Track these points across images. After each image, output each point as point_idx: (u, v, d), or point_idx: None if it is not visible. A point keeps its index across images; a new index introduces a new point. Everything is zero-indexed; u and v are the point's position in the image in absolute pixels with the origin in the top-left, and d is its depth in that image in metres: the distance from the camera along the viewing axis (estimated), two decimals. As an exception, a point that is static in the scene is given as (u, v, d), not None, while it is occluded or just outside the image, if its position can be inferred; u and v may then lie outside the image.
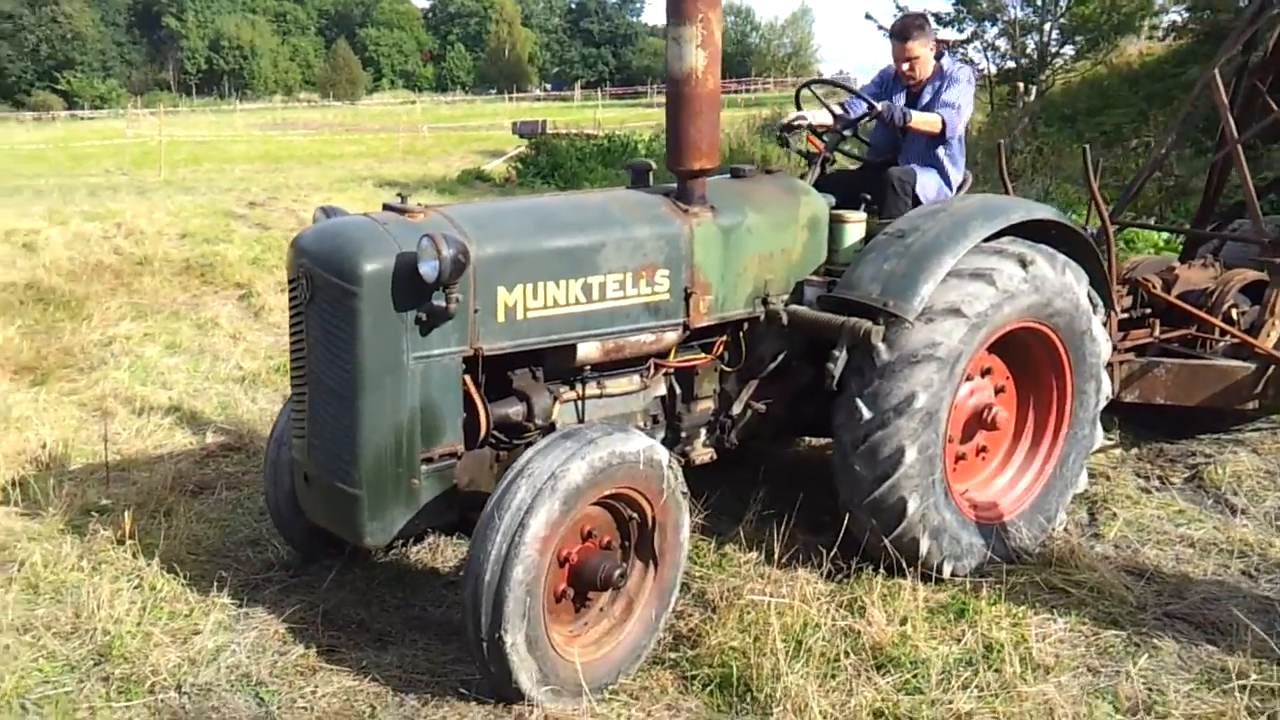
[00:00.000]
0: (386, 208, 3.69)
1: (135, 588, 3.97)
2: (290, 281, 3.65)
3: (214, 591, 3.95)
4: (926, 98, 4.98)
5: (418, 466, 3.49)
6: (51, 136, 38.21)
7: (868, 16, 21.49)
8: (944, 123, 4.85)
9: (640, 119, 39.39)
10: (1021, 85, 19.51)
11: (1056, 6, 19.48)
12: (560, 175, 22.86)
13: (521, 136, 30.52)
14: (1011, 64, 20.34)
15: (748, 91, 56.66)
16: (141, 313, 8.61)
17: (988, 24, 20.60)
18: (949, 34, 20.85)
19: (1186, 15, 20.04)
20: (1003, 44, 20.48)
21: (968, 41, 20.82)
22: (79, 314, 8.42)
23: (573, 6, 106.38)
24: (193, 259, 10.95)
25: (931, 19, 5.92)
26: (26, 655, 3.56)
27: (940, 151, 4.98)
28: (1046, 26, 19.77)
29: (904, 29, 5.06)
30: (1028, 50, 19.99)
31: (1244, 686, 3.42)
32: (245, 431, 5.86)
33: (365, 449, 3.40)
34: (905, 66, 5.03)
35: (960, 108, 4.90)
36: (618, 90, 73.90)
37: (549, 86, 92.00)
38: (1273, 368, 5.57)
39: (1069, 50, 20.34)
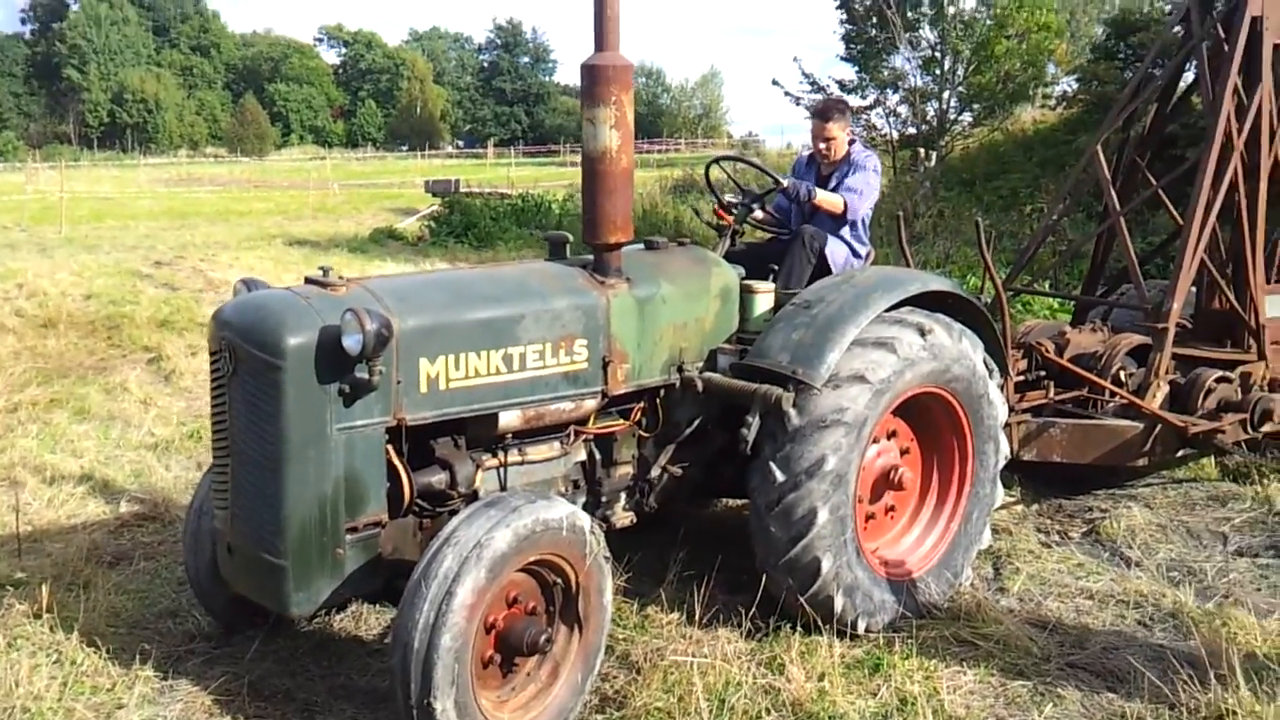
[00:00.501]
0: (308, 280, 3.76)
1: (54, 662, 3.91)
2: (213, 354, 3.69)
3: (136, 664, 3.90)
4: (833, 182, 5.26)
5: (342, 536, 3.54)
6: (-57, 191, 37.16)
7: (774, 82, 21.99)
8: (846, 205, 5.13)
9: (554, 178, 39.76)
10: (922, 151, 20.24)
11: (955, 76, 20.28)
12: (474, 235, 22.83)
13: (434, 195, 30.50)
14: (913, 130, 21.05)
15: (659, 152, 57.73)
16: (47, 377, 8.44)
17: (890, 91, 21.33)
18: (853, 101, 21.59)
19: (1076, 85, 21.15)
20: (904, 110, 21.21)
21: (870, 108, 21.52)
22: (-20, 380, 8.23)
23: (485, 65, 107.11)
24: (98, 320, 10.78)
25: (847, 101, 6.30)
26: (-62, 738, 3.50)
27: (845, 232, 5.25)
28: (945, 94, 20.54)
29: (825, 110, 5.44)
30: (928, 117, 20.72)
31: (1138, 732, 3.62)
32: (160, 500, 5.79)
33: (290, 519, 3.44)
34: (822, 145, 5.34)
35: (863, 193, 5.21)
36: (531, 149, 74.48)
37: (461, 144, 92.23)
38: (1159, 426, 5.90)
39: (967, 117, 21.16)
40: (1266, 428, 6.25)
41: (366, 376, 3.43)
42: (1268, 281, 6.71)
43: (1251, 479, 6.37)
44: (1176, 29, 7.13)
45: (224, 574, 3.85)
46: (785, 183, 5.09)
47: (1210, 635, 4.32)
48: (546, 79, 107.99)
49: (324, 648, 4.25)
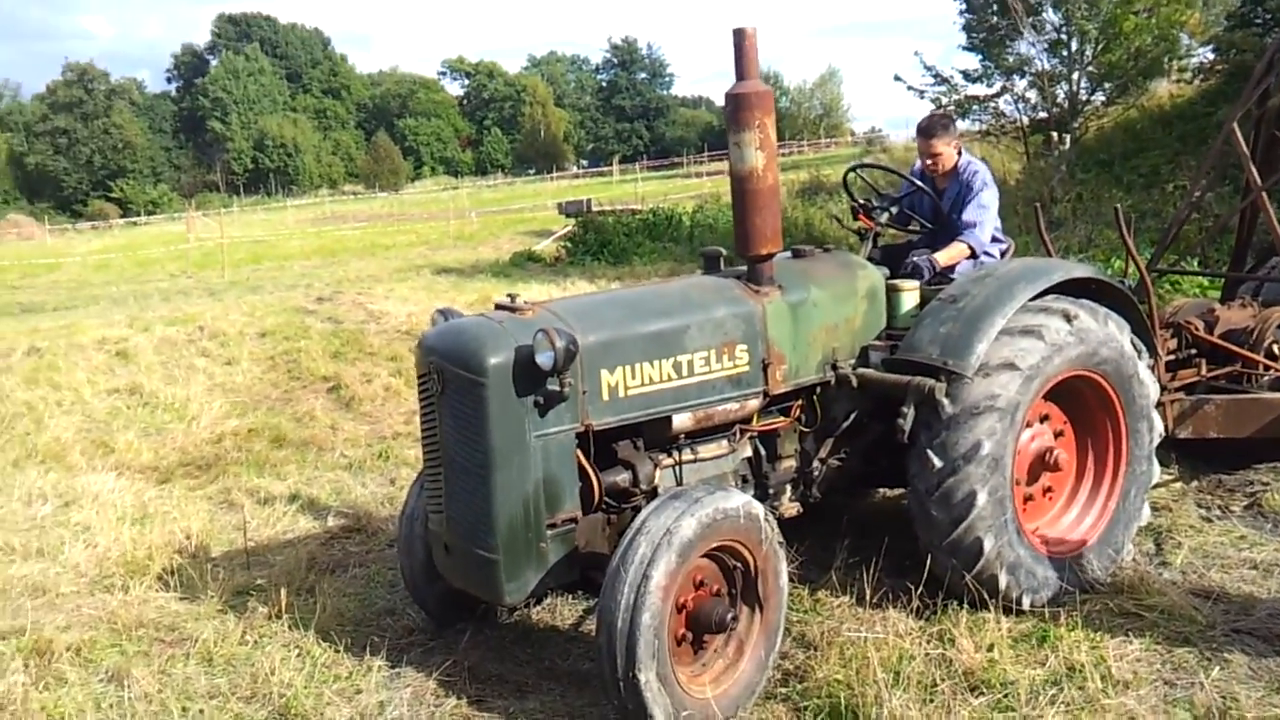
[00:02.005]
0: (498, 306, 4.21)
1: (297, 656, 4.46)
2: (421, 377, 4.18)
3: (367, 655, 4.41)
4: (947, 203, 5.57)
5: (544, 531, 3.96)
6: (113, 244, 39.75)
7: (897, 78, 21.95)
8: (971, 248, 5.41)
9: (681, 190, 40.23)
10: (1055, 134, 19.88)
11: (1083, 56, 19.86)
12: (609, 252, 23.37)
13: (568, 216, 31.30)
14: (1043, 114, 20.69)
15: (784, 155, 57.53)
16: (242, 410, 9.21)
17: (1016, 77, 21.01)
18: (978, 89, 21.38)
19: (1213, 56, 20.45)
20: (1033, 95, 20.89)
21: (998, 95, 21.27)
22: (184, 415, 9.03)
23: (603, 85, 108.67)
24: (277, 356, 11.60)
25: (955, 118, 6.50)
26: (218, 718, 4.05)
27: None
28: (1075, 75, 20.13)
29: (929, 127, 5.67)
30: (1058, 100, 20.35)
31: (1307, 689, 3.75)
32: (362, 514, 6.38)
33: (499, 518, 3.88)
34: (929, 161, 5.60)
35: (982, 223, 5.47)
36: (654, 163, 75.19)
37: (586, 163, 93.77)
38: (1318, 398, 5.89)
39: (1099, 97, 20.68)
40: None
41: (558, 388, 3.85)
42: None
43: None
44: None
45: (442, 571, 4.32)
46: (914, 258, 5.35)
47: (1378, 599, 4.38)
48: (665, 93, 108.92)
49: (527, 636, 4.70)
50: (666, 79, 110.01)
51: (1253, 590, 4.73)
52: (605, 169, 76.32)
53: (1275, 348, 6.17)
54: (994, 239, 5.57)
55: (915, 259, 5.35)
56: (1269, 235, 6.85)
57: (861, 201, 5.63)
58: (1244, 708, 3.75)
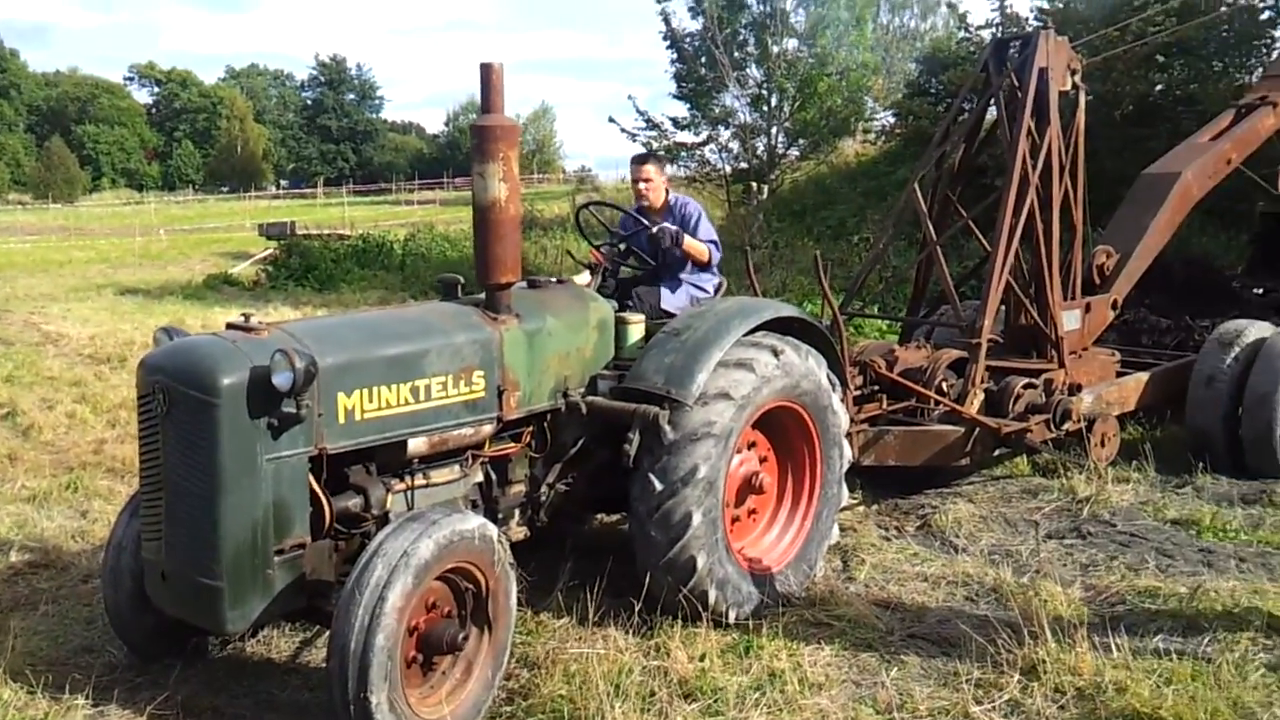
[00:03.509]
0: (230, 326, 4.10)
1: (-14, 701, 4.09)
2: (142, 397, 3.98)
3: (67, 695, 4.11)
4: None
5: (272, 558, 3.88)
6: None
7: (610, 119, 22.79)
8: (710, 255, 5.78)
9: (391, 217, 39.62)
10: (755, 184, 21.31)
11: (781, 112, 21.44)
12: (314, 277, 22.67)
13: (269, 238, 30.09)
14: (745, 164, 22.12)
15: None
16: (-99, 437, 8.26)
17: (721, 127, 22.36)
18: (686, 136, 22.56)
19: (894, 120, 22.69)
20: (735, 146, 22.29)
21: (704, 144, 22.54)
22: None
23: (309, 103, 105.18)
24: (-59, 379, 10.48)
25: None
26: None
27: (698, 271, 5.90)
28: (774, 130, 21.68)
29: (645, 155, 6.18)
30: (758, 152, 21.83)
31: (969, 682, 4.32)
32: (51, 549, 5.89)
33: (225, 544, 3.76)
34: (641, 186, 6.00)
35: (719, 243, 5.92)
36: (361, 187, 73.53)
37: (286, 183, 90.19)
38: (977, 429, 6.71)
39: (794, 152, 22.39)
40: (1067, 426, 7.14)
41: (294, 410, 3.80)
42: (1064, 298, 7.67)
43: (1058, 473, 7.28)
44: (981, 73, 8.04)
45: (156, 600, 4.11)
46: (655, 229, 5.68)
47: (1024, 604, 5.04)
48: (374, 116, 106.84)
49: (242, 669, 4.54)
50: (376, 102, 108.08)
51: (924, 600, 5.33)
52: (308, 190, 73.79)
53: (944, 385, 6.98)
54: (713, 274, 6.01)
55: (662, 226, 5.75)
56: (941, 285, 7.74)
57: (594, 239, 5.93)
58: (918, 701, 4.24)
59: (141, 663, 4.50)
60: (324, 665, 3.81)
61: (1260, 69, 12.56)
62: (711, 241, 5.92)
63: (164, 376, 3.86)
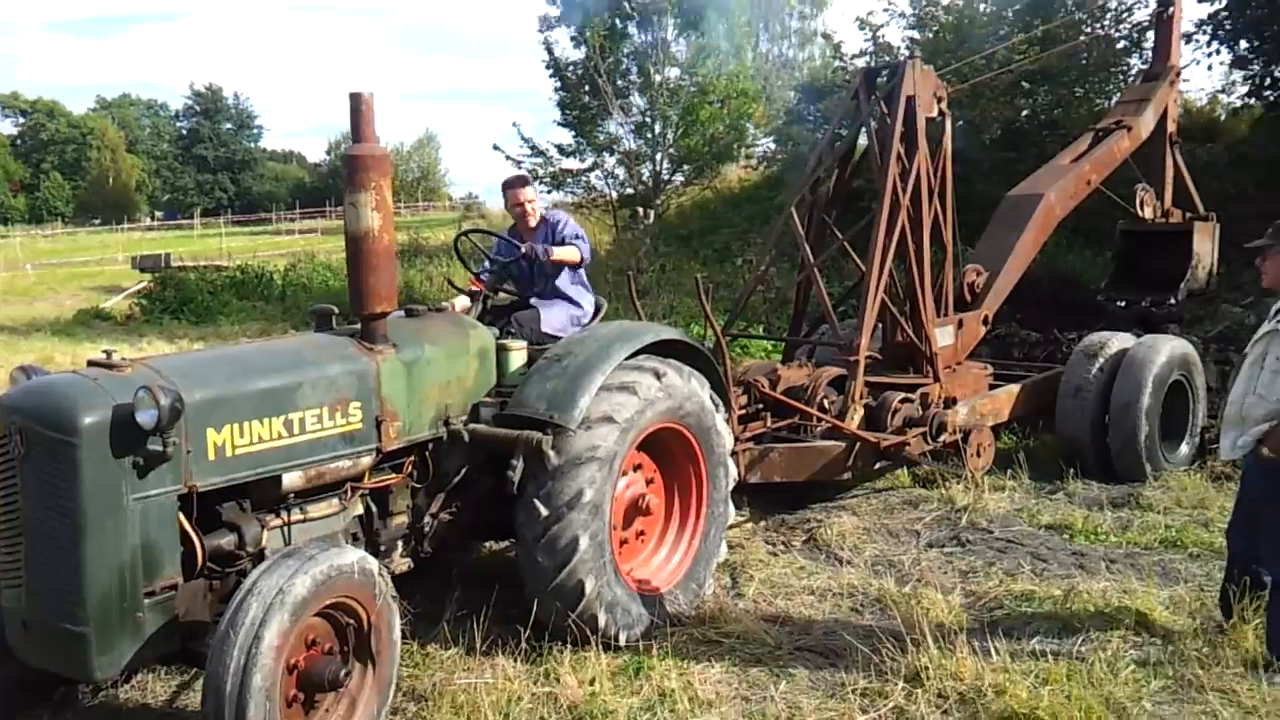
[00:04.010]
0: (92, 363, 3.95)
1: None
2: (-2, 440, 3.80)
3: (-81, 755, 3.90)
4: (552, 240, 5.98)
5: (141, 600, 3.74)
6: None
7: (495, 147, 22.74)
8: (580, 253, 5.82)
9: (271, 247, 38.72)
10: (641, 210, 21.49)
11: (665, 139, 21.69)
12: (191, 310, 22.06)
13: (143, 271, 29.18)
14: (630, 190, 22.30)
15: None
16: None
17: (606, 154, 22.50)
18: (571, 163, 22.65)
19: (774, 146, 23.18)
20: (621, 172, 22.47)
21: (589, 170, 22.67)
22: None
23: (184, 132, 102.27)
24: None
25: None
26: None
27: (571, 284, 5.92)
28: (658, 156, 21.91)
29: (517, 180, 6.22)
30: (644, 178, 22.04)
31: (855, 692, 4.41)
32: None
33: (90, 588, 3.62)
34: (524, 208, 6.07)
35: (584, 238, 6.01)
36: (240, 217, 71.67)
37: (161, 215, 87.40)
38: (858, 444, 6.86)
39: (679, 177, 22.67)
40: (943, 438, 7.36)
41: (160, 448, 3.67)
42: (937, 315, 7.91)
43: (937, 484, 7.49)
44: (852, 101, 8.26)
45: (18, 651, 3.91)
46: (524, 248, 5.71)
47: (907, 612, 5.16)
48: (252, 145, 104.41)
49: (116, 716, 4.37)
50: (255, 131, 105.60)
51: (811, 613, 5.41)
52: (185, 221, 71.70)
53: (825, 402, 7.12)
54: (587, 289, 6.04)
55: (531, 244, 5.77)
56: (820, 305, 7.90)
57: (472, 266, 5.90)
58: (806, 714, 4.30)
59: (7, 715, 4.27)
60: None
61: (1117, 94, 13.18)
62: (577, 237, 6.01)
63: (20, 417, 3.70)
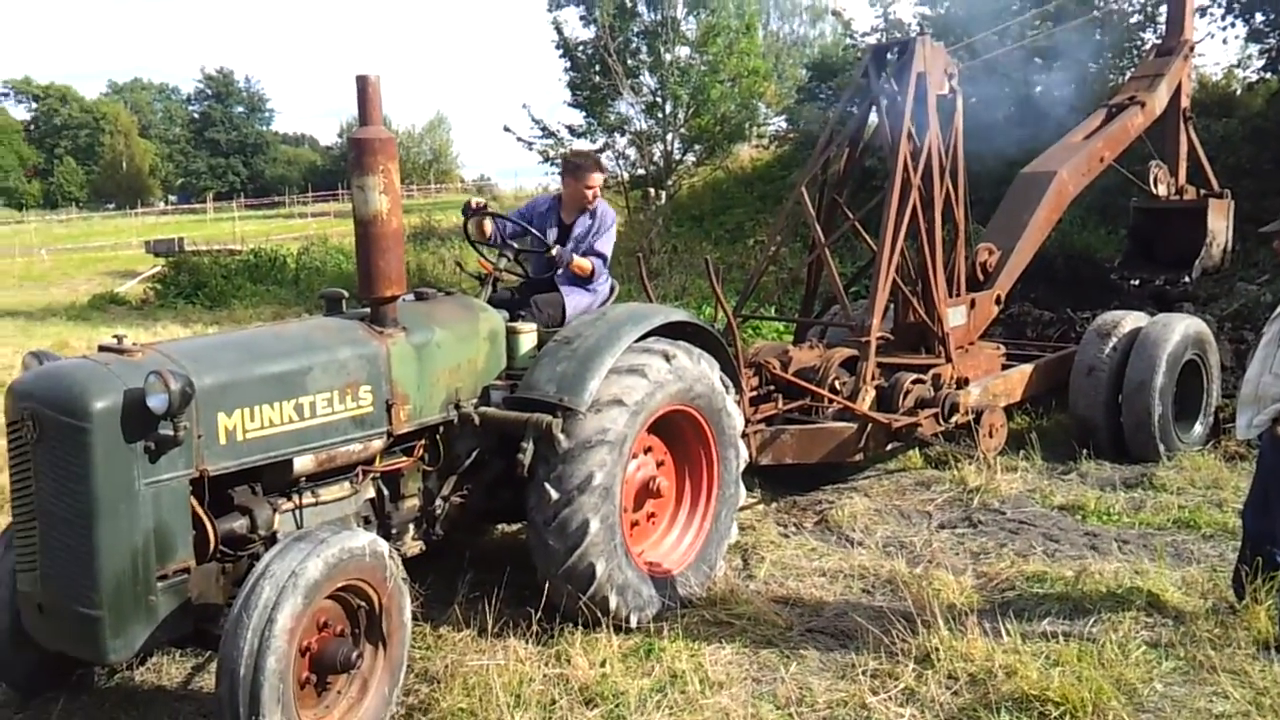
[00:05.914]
0: (103, 348, 3.97)
1: None
2: (11, 425, 3.82)
3: (-60, 738, 3.95)
4: (579, 230, 5.86)
5: (154, 584, 3.76)
6: None
7: (506, 129, 22.70)
8: (594, 271, 5.80)
9: (284, 231, 38.83)
10: (653, 190, 21.44)
11: (676, 119, 21.63)
12: (205, 295, 22.20)
13: (157, 255, 29.35)
14: (642, 171, 22.24)
15: (391, 199, 56.85)
16: None
17: (617, 135, 22.44)
18: (583, 144, 22.59)
19: (786, 125, 23.07)
20: (632, 153, 22.41)
21: (600, 151, 22.58)
22: None
23: (196, 116, 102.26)
24: None
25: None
26: None
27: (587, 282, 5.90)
28: (669, 137, 21.87)
29: (595, 163, 6.10)
30: (655, 158, 21.98)
31: (866, 673, 4.40)
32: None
33: (104, 572, 3.64)
34: (585, 194, 5.89)
35: (607, 257, 5.90)
36: (253, 201, 71.76)
37: (175, 199, 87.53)
38: (870, 425, 6.85)
39: (690, 157, 22.61)
40: (955, 419, 7.33)
41: (171, 433, 3.69)
42: (949, 295, 7.87)
43: (949, 464, 7.47)
44: (862, 79, 8.20)
45: (34, 634, 3.95)
46: (553, 251, 5.65)
47: (918, 594, 5.16)
48: (265, 128, 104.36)
49: (131, 699, 4.39)
50: (267, 114, 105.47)
51: (822, 595, 5.42)
52: (198, 205, 71.80)
53: (837, 383, 7.10)
54: (607, 275, 6.03)
55: (557, 251, 5.67)
56: (831, 286, 7.88)
57: (483, 249, 5.87)
58: (817, 695, 4.31)
59: (23, 699, 4.32)
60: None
61: (1130, 70, 13.06)
62: (601, 255, 5.88)
63: (33, 402, 3.72)
